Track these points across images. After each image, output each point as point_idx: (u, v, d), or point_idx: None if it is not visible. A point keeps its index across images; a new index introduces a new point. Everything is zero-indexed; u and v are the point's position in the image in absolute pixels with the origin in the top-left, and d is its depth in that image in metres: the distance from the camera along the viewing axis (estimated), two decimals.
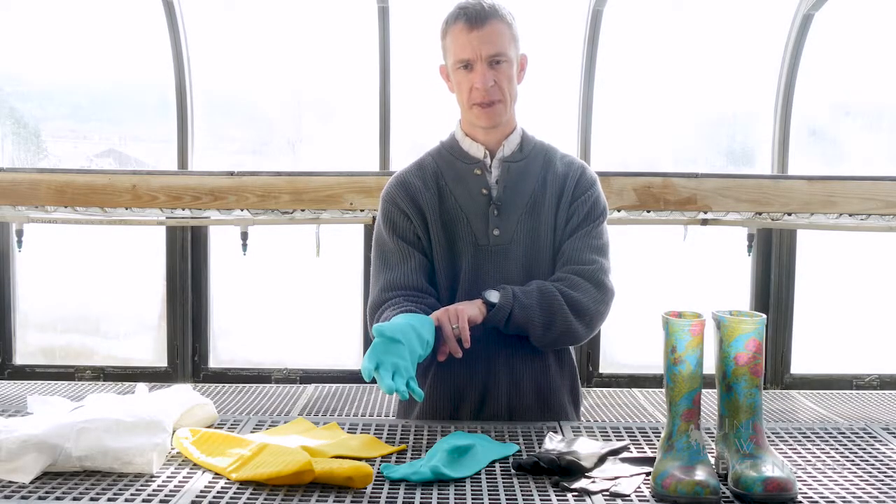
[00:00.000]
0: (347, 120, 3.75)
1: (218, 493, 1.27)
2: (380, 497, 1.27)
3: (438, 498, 1.27)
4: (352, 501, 1.24)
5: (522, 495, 1.28)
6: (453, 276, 1.77)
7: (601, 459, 1.41)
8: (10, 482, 1.30)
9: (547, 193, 1.78)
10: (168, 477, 1.34)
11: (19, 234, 3.42)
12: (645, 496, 1.28)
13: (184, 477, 1.35)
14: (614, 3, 3.39)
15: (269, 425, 1.66)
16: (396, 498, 1.26)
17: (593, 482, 1.32)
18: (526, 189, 1.77)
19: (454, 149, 1.81)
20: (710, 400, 1.69)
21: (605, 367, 3.64)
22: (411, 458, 1.46)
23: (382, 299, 1.73)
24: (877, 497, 1.29)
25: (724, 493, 1.27)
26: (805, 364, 3.66)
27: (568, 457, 1.37)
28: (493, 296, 1.66)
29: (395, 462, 1.44)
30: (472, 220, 1.76)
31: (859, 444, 1.56)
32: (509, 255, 1.75)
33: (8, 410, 1.72)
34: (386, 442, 1.55)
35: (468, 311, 1.61)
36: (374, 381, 1.48)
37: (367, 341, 1.76)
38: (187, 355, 3.61)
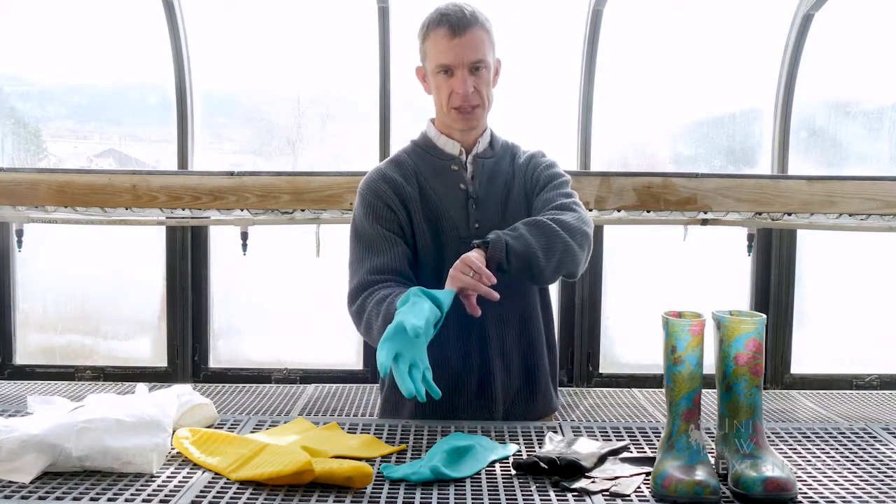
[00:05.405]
0: (347, 120, 3.75)
1: (218, 493, 1.27)
2: (380, 497, 1.27)
3: (438, 498, 1.27)
4: (352, 501, 1.24)
5: (522, 495, 1.28)
6: (438, 268, 1.78)
7: (601, 459, 1.41)
8: (10, 482, 1.30)
9: (516, 185, 1.84)
10: (168, 477, 1.34)
11: (19, 234, 3.42)
12: (645, 496, 1.28)
13: (184, 477, 1.35)
14: (614, 3, 3.39)
15: (269, 425, 1.66)
16: (396, 498, 1.26)
17: (593, 482, 1.32)
18: (498, 183, 1.83)
19: (429, 146, 1.85)
20: (710, 400, 1.69)
21: (605, 367, 3.65)
22: (411, 458, 1.46)
23: (370, 281, 1.72)
24: (877, 497, 1.29)
25: (724, 493, 1.27)
26: (805, 364, 3.66)
27: (568, 457, 1.38)
28: (482, 239, 1.64)
29: (395, 462, 1.44)
30: (452, 214, 1.79)
31: (859, 444, 1.56)
32: None
33: (8, 410, 1.72)
34: (386, 442, 1.55)
35: (472, 256, 1.58)
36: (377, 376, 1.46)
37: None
38: (187, 355, 3.61)
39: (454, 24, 1.71)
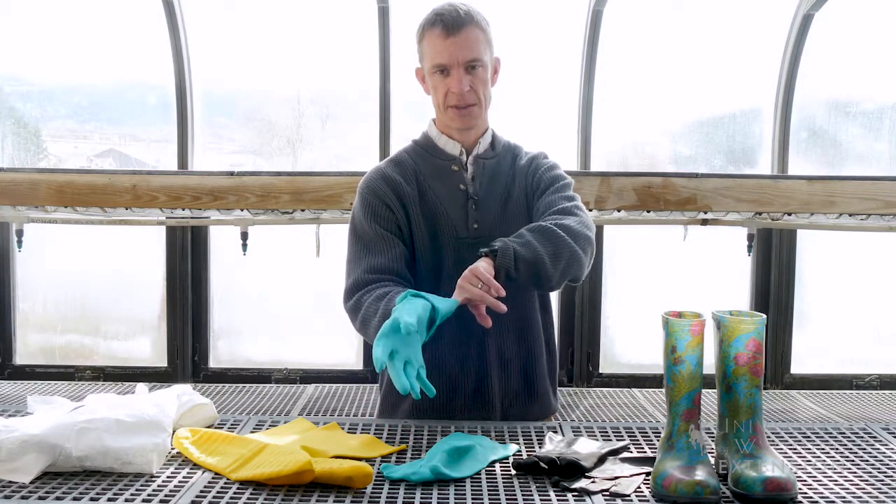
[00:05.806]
0: (347, 120, 3.74)
1: (218, 493, 1.27)
2: (380, 497, 1.27)
3: (438, 498, 1.27)
4: (352, 501, 1.24)
5: (522, 495, 1.28)
6: (436, 268, 1.79)
7: (601, 459, 1.41)
8: (10, 482, 1.30)
9: (517, 186, 1.84)
10: (168, 477, 1.34)
11: (19, 234, 3.42)
12: (645, 496, 1.28)
13: (184, 477, 1.35)
14: (614, 3, 3.39)
15: (269, 425, 1.66)
16: (396, 498, 1.26)
17: (593, 482, 1.32)
18: (499, 184, 1.83)
19: (430, 146, 1.86)
20: (710, 400, 1.69)
21: (605, 367, 3.64)
22: (411, 458, 1.46)
23: (367, 280, 1.73)
24: (877, 497, 1.29)
25: (724, 493, 1.27)
26: (805, 364, 3.66)
27: (568, 457, 1.38)
28: (489, 247, 1.63)
29: (395, 462, 1.44)
30: (451, 215, 1.79)
31: (859, 444, 1.56)
32: None
33: (8, 410, 1.72)
34: (386, 442, 1.55)
35: (480, 267, 1.58)
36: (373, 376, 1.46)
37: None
38: (187, 355, 3.61)
39: (448, 24, 1.73)
